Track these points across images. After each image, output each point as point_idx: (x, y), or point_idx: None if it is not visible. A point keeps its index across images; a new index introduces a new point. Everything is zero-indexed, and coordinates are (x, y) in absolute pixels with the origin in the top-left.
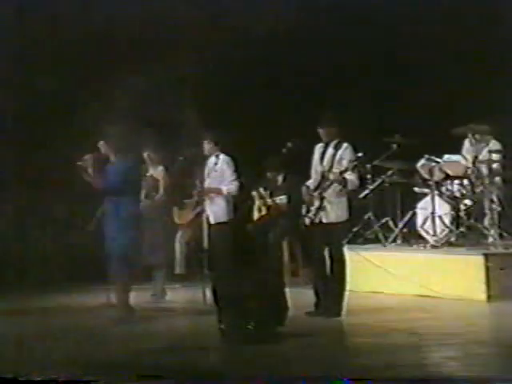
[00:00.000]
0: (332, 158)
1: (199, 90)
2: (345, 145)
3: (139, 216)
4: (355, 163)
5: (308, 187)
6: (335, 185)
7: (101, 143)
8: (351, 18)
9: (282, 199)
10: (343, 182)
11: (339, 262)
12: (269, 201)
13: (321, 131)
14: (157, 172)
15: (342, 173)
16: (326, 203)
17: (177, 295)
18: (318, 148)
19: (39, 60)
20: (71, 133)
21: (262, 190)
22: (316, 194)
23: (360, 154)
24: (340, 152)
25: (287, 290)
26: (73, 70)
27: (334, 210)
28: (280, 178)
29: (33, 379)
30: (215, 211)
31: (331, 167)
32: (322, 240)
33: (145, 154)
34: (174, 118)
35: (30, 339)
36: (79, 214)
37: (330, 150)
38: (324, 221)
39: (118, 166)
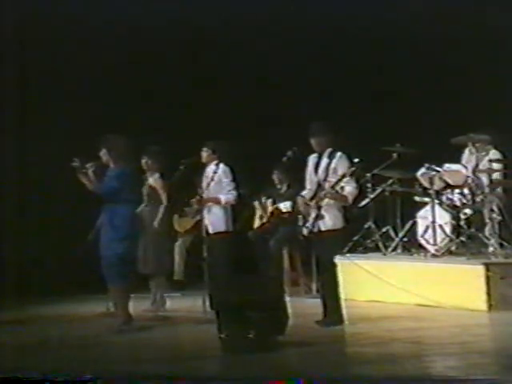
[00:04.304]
0: (327, 168)
1: (201, 97)
2: (339, 154)
3: (136, 224)
4: (353, 169)
5: (303, 197)
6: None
7: (103, 151)
8: (352, 26)
9: (285, 204)
10: (343, 198)
11: (331, 270)
12: (270, 208)
13: (313, 141)
14: (155, 181)
15: (334, 186)
16: (323, 212)
17: (177, 304)
18: (312, 158)
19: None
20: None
21: (264, 198)
22: (312, 203)
23: (357, 160)
24: (334, 161)
25: (287, 298)
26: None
27: (331, 218)
28: (284, 187)
29: (33, 379)
30: (213, 220)
31: (326, 176)
32: (320, 248)
33: (143, 161)
34: (175, 125)
35: (31, 346)
36: (80, 223)
37: (325, 160)
38: (322, 228)
39: (116, 173)
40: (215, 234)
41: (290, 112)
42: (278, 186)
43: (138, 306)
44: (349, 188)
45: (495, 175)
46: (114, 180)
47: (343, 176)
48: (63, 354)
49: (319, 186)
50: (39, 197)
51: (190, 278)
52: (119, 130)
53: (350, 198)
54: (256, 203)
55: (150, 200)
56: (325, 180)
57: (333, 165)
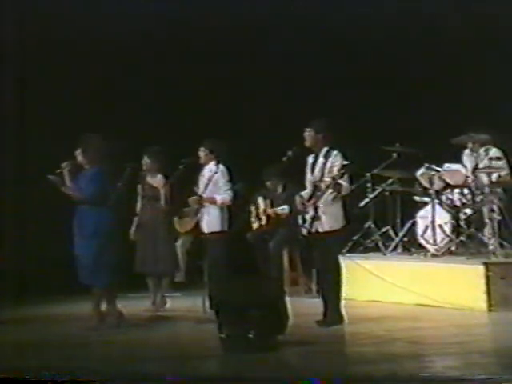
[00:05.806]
0: (323, 167)
1: (200, 97)
2: (334, 152)
3: (109, 225)
4: (342, 171)
5: (302, 197)
6: (328, 193)
7: (78, 151)
8: (353, 25)
9: (284, 209)
10: (337, 187)
11: (335, 271)
12: (269, 210)
13: (309, 139)
14: (155, 180)
15: (333, 179)
16: (319, 212)
17: (177, 304)
18: (310, 158)
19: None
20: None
21: (261, 199)
22: (310, 203)
23: (345, 162)
24: (330, 160)
25: (287, 298)
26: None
27: (328, 219)
28: (280, 187)
29: (33, 379)
30: (208, 220)
31: (322, 176)
32: (319, 249)
33: (143, 161)
34: (174, 125)
35: (31, 346)
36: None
37: (321, 159)
38: (319, 230)
39: (91, 175)
40: (210, 233)
41: (289, 112)
42: (274, 189)
43: (138, 305)
44: (343, 182)
45: (495, 175)
46: (90, 183)
47: (333, 178)
48: (63, 353)
49: (315, 186)
50: (39, 196)
51: (190, 278)
52: (119, 129)
53: (344, 189)
54: (253, 204)
55: (150, 200)
56: (320, 180)
57: (329, 164)
